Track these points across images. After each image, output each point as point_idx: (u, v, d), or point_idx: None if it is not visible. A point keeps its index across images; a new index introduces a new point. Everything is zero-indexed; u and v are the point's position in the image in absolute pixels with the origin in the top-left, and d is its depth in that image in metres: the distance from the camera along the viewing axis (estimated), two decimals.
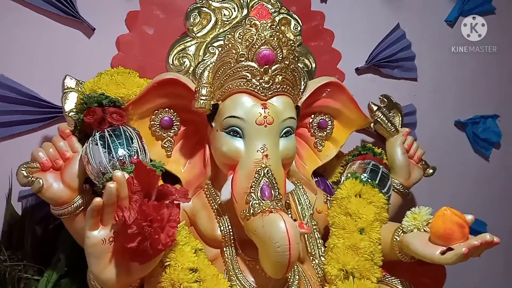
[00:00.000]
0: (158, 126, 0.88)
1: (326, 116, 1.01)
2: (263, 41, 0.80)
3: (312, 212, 0.94)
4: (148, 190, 0.66)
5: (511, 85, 1.52)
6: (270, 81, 0.82)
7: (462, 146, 1.47)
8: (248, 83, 0.81)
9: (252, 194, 0.77)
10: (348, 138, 1.04)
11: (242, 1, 0.93)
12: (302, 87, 0.93)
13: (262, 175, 0.78)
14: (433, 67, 1.40)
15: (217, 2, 0.92)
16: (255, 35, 0.80)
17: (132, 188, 0.65)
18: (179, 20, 0.93)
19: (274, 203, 0.76)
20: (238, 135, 0.82)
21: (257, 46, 0.80)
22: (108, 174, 0.74)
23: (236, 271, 0.82)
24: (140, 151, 0.78)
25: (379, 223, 0.88)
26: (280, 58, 0.82)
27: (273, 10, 0.93)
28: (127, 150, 0.77)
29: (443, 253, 0.73)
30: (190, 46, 0.90)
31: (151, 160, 0.82)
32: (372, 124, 1.08)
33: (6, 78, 0.94)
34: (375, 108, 1.09)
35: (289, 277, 0.84)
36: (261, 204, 0.76)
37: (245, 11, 0.93)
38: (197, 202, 0.89)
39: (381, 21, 1.31)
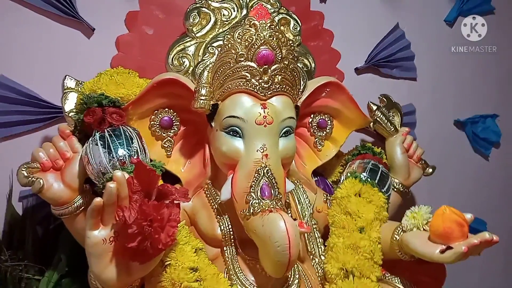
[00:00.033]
0: (158, 126, 0.88)
1: (326, 115, 1.02)
2: (262, 41, 0.80)
3: (312, 212, 0.94)
4: (148, 190, 0.66)
5: (511, 84, 1.52)
6: (270, 81, 0.82)
7: (462, 145, 1.47)
8: (248, 83, 0.81)
9: (252, 194, 0.77)
10: (347, 137, 1.05)
11: (241, 1, 0.93)
12: (302, 87, 0.93)
13: (262, 174, 0.78)
14: (433, 66, 1.40)
15: (217, 2, 0.92)
16: (254, 35, 0.81)
17: (132, 188, 0.65)
18: (178, 20, 0.93)
19: (274, 203, 0.77)
20: (237, 135, 0.82)
21: (256, 46, 0.80)
22: (108, 174, 0.74)
23: (236, 270, 0.82)
24: (140, 151, 0.79)
25: (378, 222, 0.88)
26: (280, 58, 0.82)
27: (272, 10, 0.93)
28: (127, 150, 0.77)
29: (442, 251, 0.73)
30: (189, 46, 0.90)
31: (151, 160, 0.82)
32: (371, 124, 1.09)
33: (6, 78, 0.94)
34: (374, 107, 1.10)
35: (289, 276, 0.84)
36: (261, 203, 0.76)
37: (244, 11, 0.93)
38: (197, 201, 0.89)
39: (380, 21, 1.31)
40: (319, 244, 0.93)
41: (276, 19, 0.93)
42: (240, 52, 0.81)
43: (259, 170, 0.79)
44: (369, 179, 0.93)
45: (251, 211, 0.76)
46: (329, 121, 1.02)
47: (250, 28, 0.81)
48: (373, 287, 0.81)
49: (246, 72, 0.81)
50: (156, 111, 0.88)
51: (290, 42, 0.86)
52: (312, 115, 1.01)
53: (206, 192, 0.89)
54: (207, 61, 0.86)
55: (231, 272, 0.82)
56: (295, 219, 0.79)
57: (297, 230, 0.74)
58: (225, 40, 0.84)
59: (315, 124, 1.01)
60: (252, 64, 0.81)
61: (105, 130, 0.78)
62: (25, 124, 0.96)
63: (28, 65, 0.97)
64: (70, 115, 0.86)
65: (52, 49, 0.99)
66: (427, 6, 1.39)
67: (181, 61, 0.89)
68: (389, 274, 0.88)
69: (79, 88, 0.88)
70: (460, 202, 1.25)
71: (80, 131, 0.83)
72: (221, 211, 0.86)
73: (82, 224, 0.74)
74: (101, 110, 0.79)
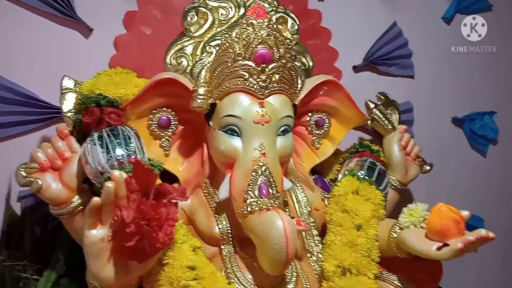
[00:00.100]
0: (156, 125, 0.89)
1: (324, 114, 1.02)
2: (259, 40, 0.81)
3: (309, 210, 0.94)
4: (146, 189, 0.66)
5: (508, 81, 1.53)
6: (267, 80, 0.82)
7: (459, 142, 1.47)
8: (245, 82, 0.81)
9: (250, 193, 0.77)
10: (345, 135, 1.05)
11: (239, 1, 0.93)
12: (299, 86, 0.93)
13: (260, 173, 0.79)
14: (430, 64, 1.40)
15: (214, 1, 0.92)
16: (252, 34, 0.81)
17: (130, 187, 0.65)
18: (176, 20, 0.93)
19: (272, 201, 0.77)
20: (235, 134, 0.82)
21: (254, 45, 0.81)
22: (107, 174, 0.75)
23: (234, 268, 0.83)
24: (138, 150, 0.79)
25: (376, 219, 0.89)
26: (277, 57, 0.82)
27: (270, 9, 0.93)
28: (125, 150, 0.77)
29: (439, 248, 0.73)
30: (187, 46, 0.90)
31: (149, 159, 0.82)
32: (369, 122, 1.09)
33: (4, 79, 0.95)
34: (372, 105, 1.10)
35: (287, 274, 0.84)
36: (259, 202, 0.76)
37: (242, 11, 0.93)
38: (195, 200, 0.89)
39: (378, 19, 1.31)
40: (316, 242, 0.93)
41: (274, 18, 0.93)
42: (238, 51, 0.81)
43: (257, 168, 0.79)
44: (366, 177, 0.93)
45: (249, 209, 0.76)
46: (327, 119, 1.02)
47: (248, 27, 0.81)
48: (371, 285, 0.82)
49: (244, 71, 0.81)
50: (154, 111, 0.88)
51: (288, 41, 0.86)
52: (310, 114, 1.01)
53: (204, 191, 0.89)
54: (205, 61, 0.86)
55: (229, 271, 0.82)
56: (293, 217, 0.80)
57: (294, 228, 0.74)
58: (223, 39, 0.84)
59: (313, 122, 1.01)
60: (250, 63, 0.81)
61: (103, 130, 0.78)
62: (24, 124, 0.96)
63: (26, 65, 0.98)
64: (68, 115, 0.86)
65: (50, 50, 0.99)
66: (425, 4, 1.39)
67: (179, 61, 0.90)
68: (386, 272, 0.88)
69: (77, 88, 0.88)
70: (458, 199, 1.25)
71: (78, 131, 0.83)
72: (219, 210, 0.86)
73: (81, 224, 0.74)
74: (99, 110, 0.79)
